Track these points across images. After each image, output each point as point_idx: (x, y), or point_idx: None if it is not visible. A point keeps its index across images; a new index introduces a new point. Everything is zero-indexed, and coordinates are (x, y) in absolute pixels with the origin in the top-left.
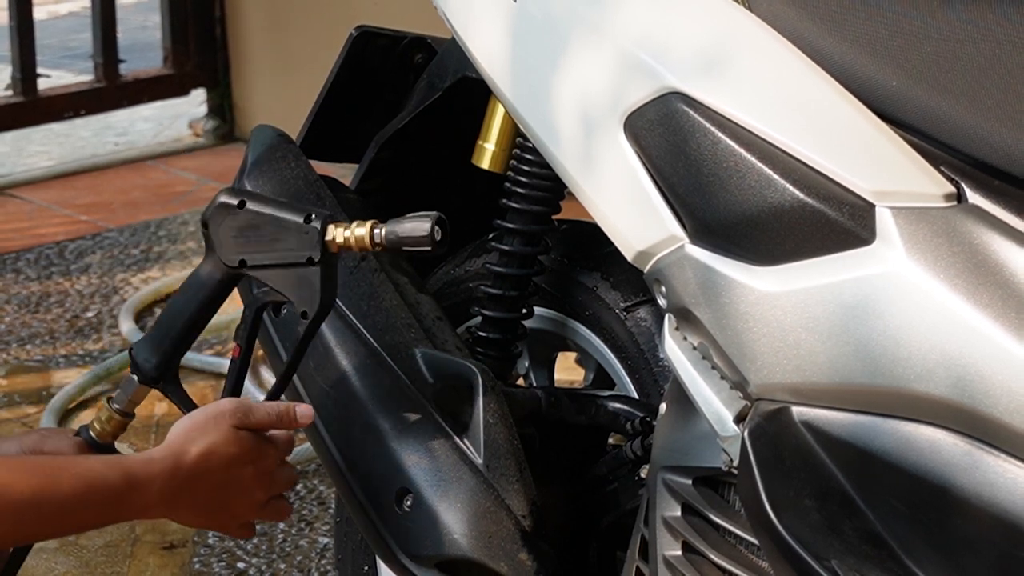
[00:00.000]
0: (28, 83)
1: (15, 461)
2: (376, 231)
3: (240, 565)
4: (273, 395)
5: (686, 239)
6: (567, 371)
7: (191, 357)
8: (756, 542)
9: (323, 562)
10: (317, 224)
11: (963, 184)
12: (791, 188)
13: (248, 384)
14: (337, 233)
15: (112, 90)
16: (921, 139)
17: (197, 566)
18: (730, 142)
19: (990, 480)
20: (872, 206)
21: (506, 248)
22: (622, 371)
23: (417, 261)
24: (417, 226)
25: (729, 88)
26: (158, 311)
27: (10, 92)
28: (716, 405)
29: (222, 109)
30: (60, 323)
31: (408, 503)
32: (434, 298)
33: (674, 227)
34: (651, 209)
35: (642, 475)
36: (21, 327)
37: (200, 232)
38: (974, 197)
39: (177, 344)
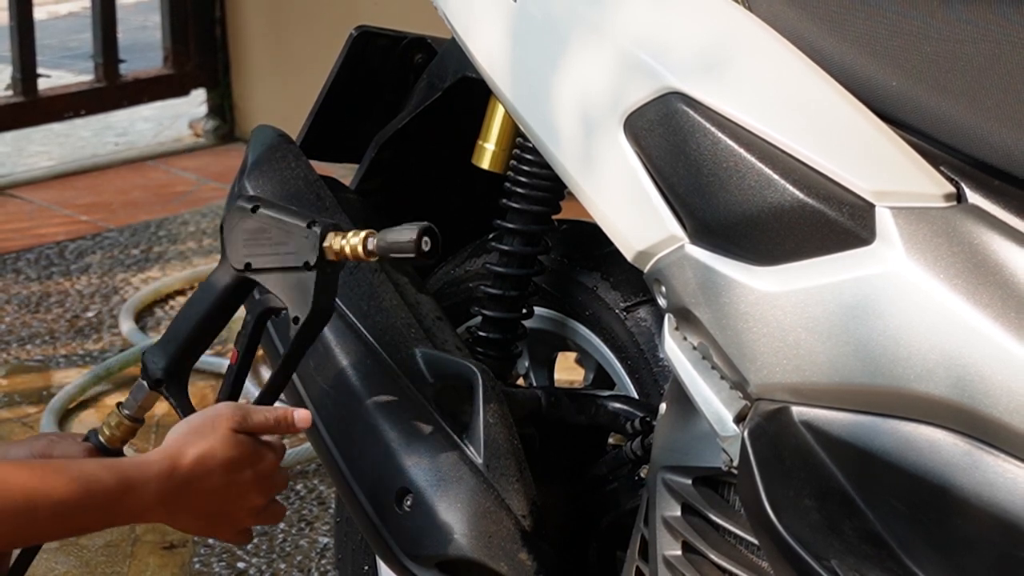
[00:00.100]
0: (28, 83)
1: (9, 464)
2: (369, 240)
3: (240, 565)
4: (262, 400)
5: (686, 239)
6: (567, 371)
7: None
8: (756, 542)
9: (323, 562)
10: (318, 230)
11: (963, 184)
12: (791, 188)
13: (248, 384)
14: (335, 241)
15: (112, 90)
16: (921, 139)
17: (197, 566)
18: (730, 142)
19: (990, 480)
20: (872, 206)
21: (506, 248)
22: (622, 371)
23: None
24: (403, 235)
25: (729, 88)
26: (158, 311)
27: (10, 92)
28: (716, 405)
29: (222, 109)
30: (60, 323)
31: (408, 503)
32: (434, 298)
33: (674, 227)
34: (651, 209)
35: (642, 475)
36: (21, 327)
37: (199, 232)
38: (974, 197)
39: (185, 349)
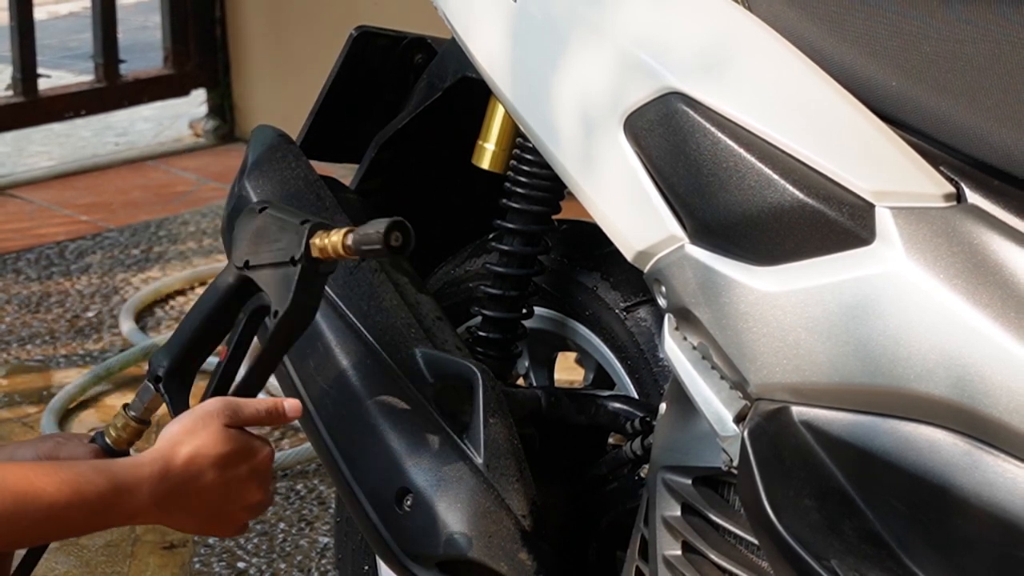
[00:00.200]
0: (28, 83)
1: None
2: (348, 236)
3: (240, 565)
4: (240, 392)
5: (686, 239)
6: (567, 371)
7: None
8: (756, 542)
9: (323, 562)
10: (307, 226)
11: (963, 184)
12: (791, 188)
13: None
14: (320, 238)
15: (112, 90)
16: (921, 139)
17: (197, 566)
18: (730, 142)
19: (990, 480)
20: (872, 206)
21: (506, 248)
22: (622, 371)
23: (417, 261)
24: (373, 231)
25: (729, 88)
26: (158, 311)
27: (10, 92)
28: (716, 405)
29: (222, 109)
30: (60, 323)
31: (408, 503)
32: (434, 298)
33: (674, 227)
34: (651, 209)
35: (642, 475)
36: (21, 327)
37: (200, 232)
38: (974, 197)
39: (188, 349)
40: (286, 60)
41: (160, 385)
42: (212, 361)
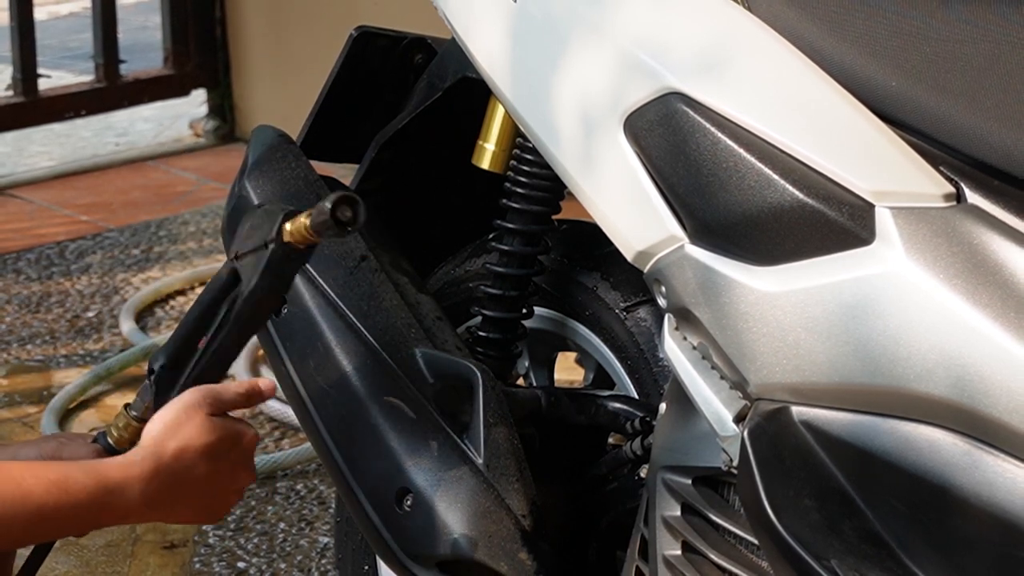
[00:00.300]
0: (29, 83)
1: None
2: (309, 217)
3: (240, 565)
4: (203, 376)
5: (686, 239)
6: (567, 371)
7: None
8: (756, 542)
9: (323, 562)
10: (283, 212)
11: (962, 184)
12: (791, 188)
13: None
14: (291, 222)
15: (113, 90)
16: (920, 139)
17: (197, 566)
18: (730, 142)
19: (990, 480)
20: (872, 206)
21: (506, 248)
22: (622, 371)
23: (417, 261)
24: (321, 209)
25: (729, 88)
26: (159, 311)
27: (11, 92)
28: (716, 405)
29: (222, 109)
30: (61, 323)
31: (408, 503)
32: (434, 298)
33: (674, 227)
34: (651, 209)
35: (642, 475)
36: (22, 327)
37: (200, 232)
38: (973, 197)
39: (184, 347)
40: (286, 60)
41: (152, 377)
42: None
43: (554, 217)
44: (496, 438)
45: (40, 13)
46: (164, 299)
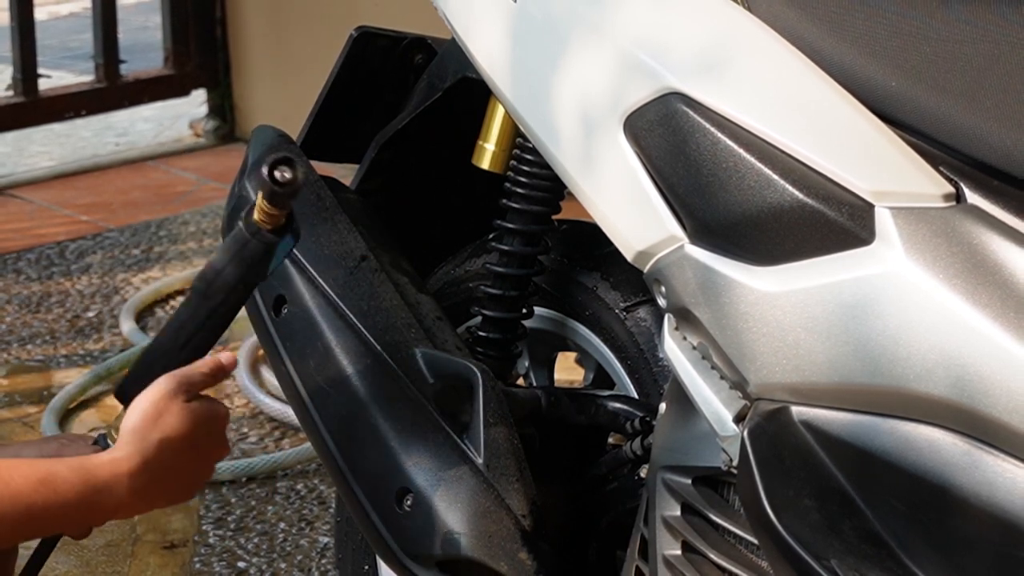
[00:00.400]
0: (29, 83)
1: None
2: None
3: (241, 564)
4: (162, 360)
5: (686, 239)
6: (567, 371)
7: None
8: (756, 542)
9: (323, 561)
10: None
11: (962, 184)
12: (790, 188)
13: (248, 383)
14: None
15: (113, 90)
16: (920, 139)
17: (198, 565)
18: (730, 142)
19: (989, 480)
20: (871, 206)
21: (506, 248)
22: (622, 371)
23: (417, 261)
24: (260, 176)
25: (729, 89)
26: (159, 311)
27: (11, 92)
28: (716, 405)
29: (222, 109)
30: (61, 323)
31: (408, 503)
32: (434, 298)
33: (674, 227)
34: (651, 209)
35: (642, 475)
36: (22, 327)
37: (200, 232)
38: (973, 197)
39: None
40: (286, 60)
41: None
42: None
43: (554, 217)
44: (496, 438)
45: (40, 13)
46: (164, 299)
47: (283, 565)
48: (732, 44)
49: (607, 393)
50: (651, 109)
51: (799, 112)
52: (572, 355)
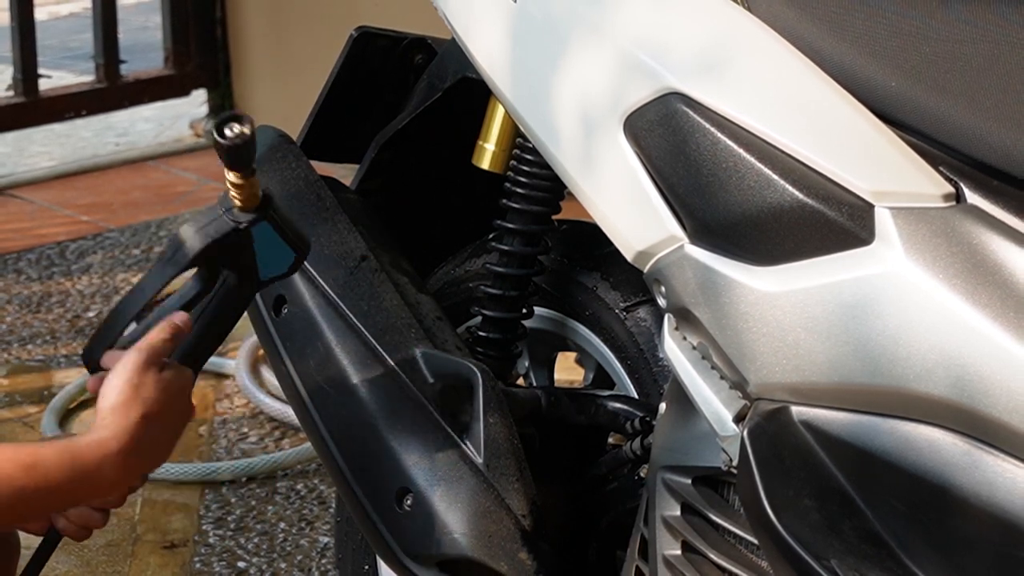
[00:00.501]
0: (29, 83)
1: None
2: None
3: (241, 564)
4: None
5: (686, 239)
6: (567, 371)
7: None
8: (756, 541)
9: (324, 561)
10: None
11: (962, 184)
12: (790, 188)
13: (248, 383)
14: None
15: (113, 90)
16: (920, 139)
17: (198, 565)
18: (730, 142)
19: (989, 480)
20: (871, 206)
21: (506, 248)
22: (622, 371)
23: (417, 261)
24: (212, 139)
25: (729, 89)
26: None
27: (11, 92)
28: (716, 405)
29: (223, 109)
30: (61, 323)
31: (408, 503)
32: (434, 298)
33: (674, 227)
34: (651, 209)
35: (642, 475)
36: (22, 327)
37: None
38: (973, 197)
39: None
40: (286, 60)
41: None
42: (212, 360)
43: (554, 217)
44: (496, 438)
45: (40, 13)
46: (165, 299)
47: (283, 565)
48: (732, 44)
49: (607, 393)
50: (651, 109)
51: (799, 112)
52: (572, 355)
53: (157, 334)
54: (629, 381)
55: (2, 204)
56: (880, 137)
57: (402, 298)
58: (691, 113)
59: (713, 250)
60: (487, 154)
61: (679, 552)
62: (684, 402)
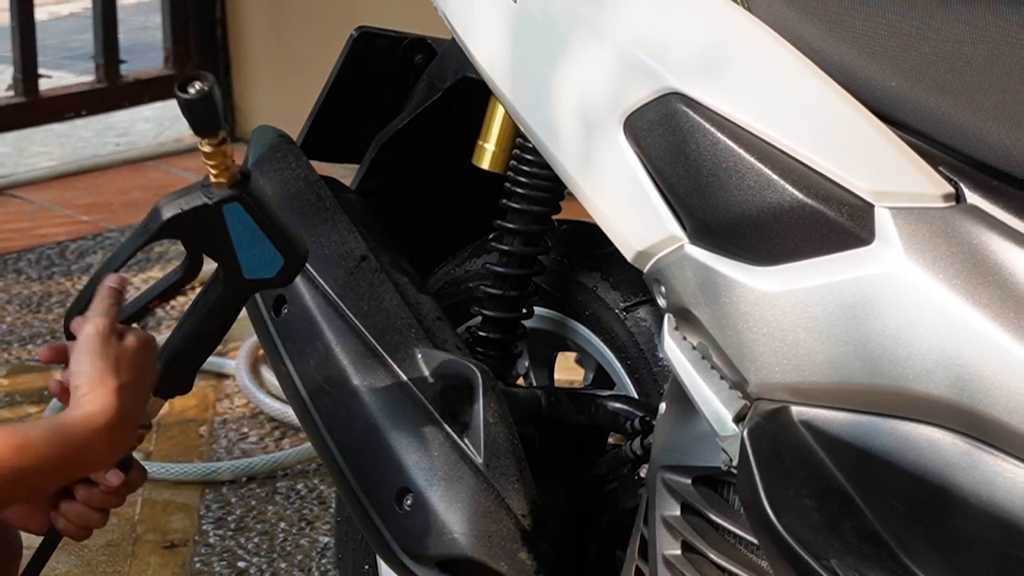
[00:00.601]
0: (29, 83)
1: None
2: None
3: (241, 564)
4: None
5: (686, 239)
6: (567, 371)
7: None
8: (755, 541)
9: (324, 561)
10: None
11: (962, 184)
12: (790, 188)
13: (248, 383)
14: None
15: (113, 90)
16: (920, 139)
17: (198, 565)
18: (729, 143)
19: (989, 480)
20: (871, 206)
21: (506, 248)
22: (622, 371)
23: (417, 261)
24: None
25: (729, 89)
26: (159, 311)
27: (11, 92)
28: (716, 405)
29: (223, 109)
30: (61, 323)
31: (408, 502)
32: (434, 298)
33: (674, 227)
34: (651, 209)
35: (642, 475)
36: (23, 327)
37: None
38: (973, 197)
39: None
40: (286, 60)
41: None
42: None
43: (554, 217)
44: (496, 438)
45: (41, 13)
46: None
47: (283, 565)
48: (732, 44)
49: (607, 393)
50: (651, 109)
51: (799, 112)
52: (572, 355)
53: (99, 303)
54: (629, 381)
55: (2, 204)
56: (880, 137)
57: (402, 298)
58: (691, 113)
59: (713, 250)
60: (487, 154)
61: (679, 552)
62: (684, 402)
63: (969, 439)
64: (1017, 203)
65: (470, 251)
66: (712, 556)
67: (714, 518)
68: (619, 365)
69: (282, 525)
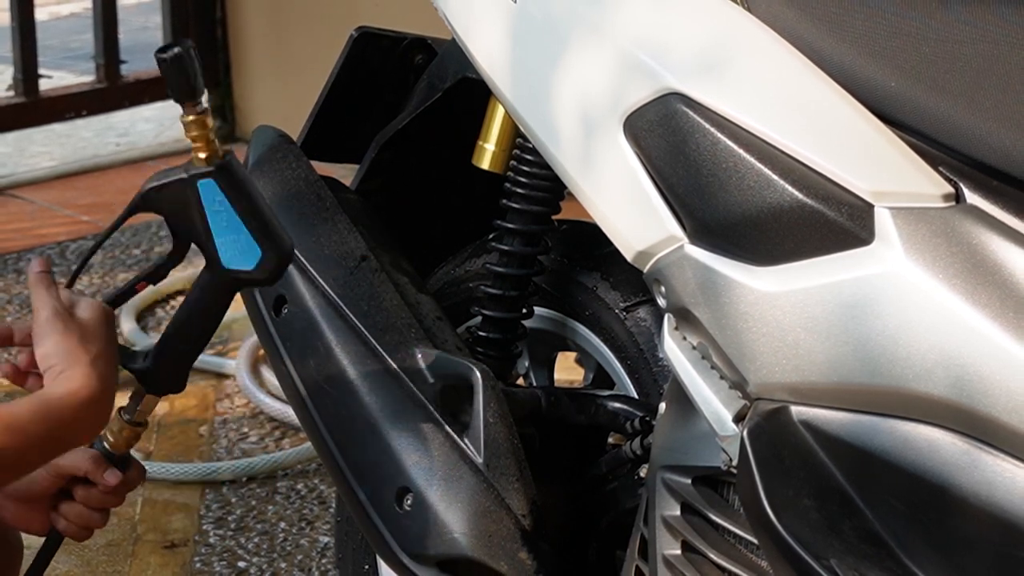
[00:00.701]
0: (30, 84)
1: None
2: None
3: (241, 564)
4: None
5: (685, 239)
6: (567, 371)
7: None
8: (755, 541)
9: (324, 561)
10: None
11: (961, 184)
12: (790, 188)
13: (248, 383)
14: None
15: (113, 91)
16: (920, 139)
17: (198, 565)
18: (729, 143)
19: (989, 480)
20: (871, 206)
21: (506, 248)
22: (622, 371)
23: (417, 261)
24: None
25: (728, 89)
26: (159, 311)
27: (12, 93)
28: (715, 405)
29: (223, 110)
30: None
31: (408, 502)
32: (434, 298)
33: (673, 227)
34: (651, 209)
35: (642, 475)
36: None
37: None
38: (972, 197)
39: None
40: (286, 60)
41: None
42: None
43: (554, 217)
44: (496, 438)
45: (41, 14)
46: (164, 299)
47: (283, 565)
48: (732, 44)
49: (607, 393)
50: (651, 109)
51: (799, 112)
52: (572, 355)
53: (36, 292)
54: (629, 381)
55: (2, 204)
56: (880, 137)
57: (402, 298)
58: (691, 113)
59: (713, 250)
60: (487, 154)
61: (679, 552)
62: (684, 402)
63: (969, 439)
64: (1017, 203)
65: (470, 251)
66: (712, 556)
67: (714, 518)
68: (619, 365)
69: (282, 525)
